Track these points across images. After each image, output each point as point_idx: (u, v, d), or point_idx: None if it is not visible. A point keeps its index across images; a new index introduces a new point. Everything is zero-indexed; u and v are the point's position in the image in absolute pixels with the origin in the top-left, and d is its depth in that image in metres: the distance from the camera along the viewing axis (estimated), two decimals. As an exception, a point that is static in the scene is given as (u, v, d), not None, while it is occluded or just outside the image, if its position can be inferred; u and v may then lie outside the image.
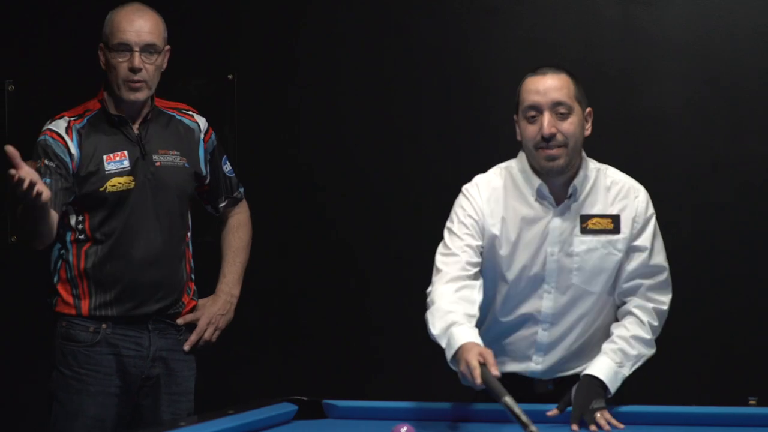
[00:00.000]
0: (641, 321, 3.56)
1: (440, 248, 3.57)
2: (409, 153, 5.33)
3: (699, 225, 5.05)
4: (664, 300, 3.61)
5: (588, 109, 3.59)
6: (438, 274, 3.51)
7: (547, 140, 3.47)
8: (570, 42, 5.16)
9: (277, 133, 5.47)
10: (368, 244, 5.37)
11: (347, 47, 5.40)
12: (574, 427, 3.31)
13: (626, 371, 3.49)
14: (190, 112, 4.10)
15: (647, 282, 3.58)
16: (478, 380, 3.14)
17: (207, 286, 4.15)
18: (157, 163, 3.94)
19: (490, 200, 3.58)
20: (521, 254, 3.55)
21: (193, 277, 4.08)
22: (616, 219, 3.55)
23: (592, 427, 3.31)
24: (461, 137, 5.27)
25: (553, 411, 3.39)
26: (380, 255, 5.36)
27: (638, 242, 3.57)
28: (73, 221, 3.91)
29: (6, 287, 5.57)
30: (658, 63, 5.10)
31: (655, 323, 3.58)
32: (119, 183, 3.89)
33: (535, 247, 3.55)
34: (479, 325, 3.52)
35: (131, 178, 3.90)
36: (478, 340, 3.30)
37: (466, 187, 3.64)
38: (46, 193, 3.51)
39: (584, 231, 3.54)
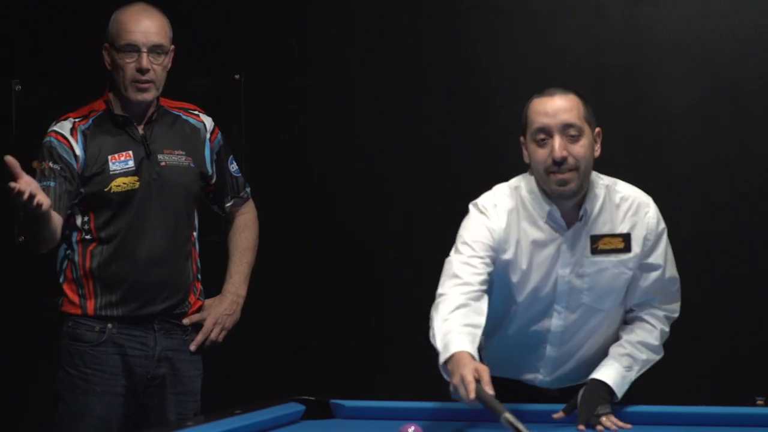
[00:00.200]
0: (653, 327, 3.54)
1: (455, 256, 3.45)
2: (418, 153, 5.32)
3: (702, 225, 5.03)
4: (676, 308, 3.59)
5: (597, 129, 3.49)
6: (450, 280, 3.39)
7: (559, 164, 3.38)
8: (575, 42, 5.15)
9: (284, 133, 5.47)
10: (376, 243, 5.36)
11: (355, 48, 5.40)
12: (581, 427, 3.30)
13: (633, 375, 3.48)
14: (196, 112, 4.10)
15: (661, 296, 3.55)
16: (472, 395, 3.06)
17: (213, 286, 4.15)
18: (162, 163, 3.94)
19: (508, 226, 3.46)
20: (532, 277, 3.48)
21: (199, 277, 4.08)
22: (626, 237, 3.47)
23: (599, 427, 3.30)
24: (468, 137, 5.26)
25: (558, 414, 3.38)
26: (388, 254, 5.35)
27: (651, 260, 3.50)
28: (78, 221, 3.91)
29: (13, 287, 5.58)
30: (664, 63, 5.08)
31: (666, 329, 3.57)
32: (124, 183, 3.89)
33: (546, 269, 3.47)
34: (487, 337, 3.51)
35: (136, 178, 3.90)
36: (475, 353, 3.21)
37: (484, 205, 3.49)
38: (46, 203, 3.54)
39: (595, 251, 3.46)
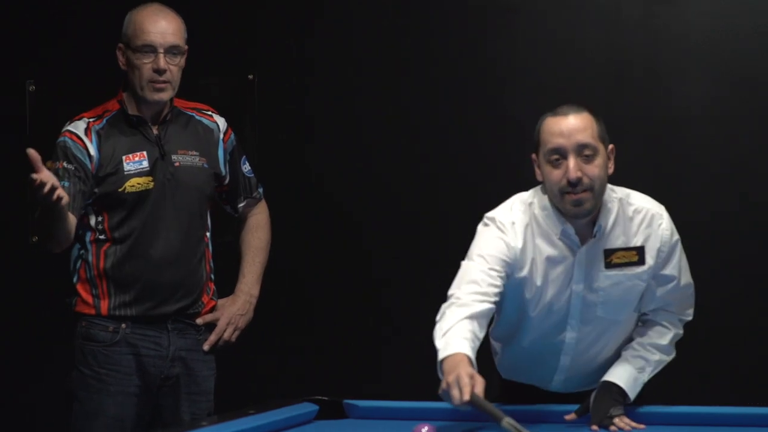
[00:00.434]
0: (666, 329, 3.53)
1: (473, 263, 3.40)
2: (429, 153, 5.32)
3: (721, 225, 5.00)
4: (690, 312, 3.58)
5: (611, 147, 3.45)
6: (467, 285, 3.36)
7: (574, 185, 3.34)
8: (591, 41, 5.14)
9: (297, 134, 5.46)
10: (389, 243, 5.35)
11: (366, 48, 5.40)
12: (594, 428, 3.30)
13: (645, 377, 3.48)
14: (209, 113, 4.10)
15: (676, 302, 3.54)
16: (467, 396, 3.03)
17: (226, 286, 4.15)
18: (177, 164, 3.95)
19: (525, 244, 3.43)
20: (546, 293, 3.46)
21: (212, 277, 4.08)
22: (640, 250, 3.44)
23: (612, 428, 3.30)
24: (480, 137, 5.25)
25: (571, 415, 3.38)
26: (400, 254, 5.34)
27: (666, 271, 3.48)
28: (92, 221, 3.91)
29: (27, 287, 5.59)
30: (681, 62, 5.06)
31: (680, 332, 3.56)
32: (138, 183, 3.90)
33: (560, 285, 3.45)
34: (503, 345, 3.54)
35: (150, 178, 3.90)
36: (473, 360, 3.19)
37: (502, 222, 3.45)
38: (65, 198, 3.55)
39: (609, 266, 3.43)
